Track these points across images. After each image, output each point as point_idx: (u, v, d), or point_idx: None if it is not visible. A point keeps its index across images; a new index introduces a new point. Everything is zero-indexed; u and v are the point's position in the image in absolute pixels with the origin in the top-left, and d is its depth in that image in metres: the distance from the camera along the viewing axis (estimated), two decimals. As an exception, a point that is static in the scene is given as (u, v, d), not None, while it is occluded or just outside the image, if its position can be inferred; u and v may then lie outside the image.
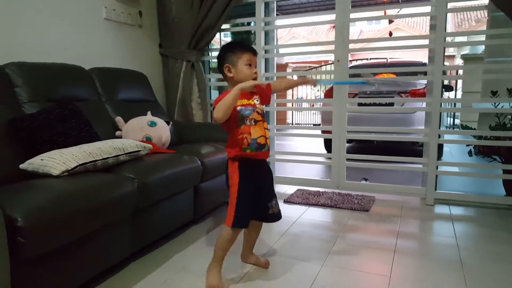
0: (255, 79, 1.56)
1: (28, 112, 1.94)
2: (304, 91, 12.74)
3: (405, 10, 3.70)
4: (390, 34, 8.00)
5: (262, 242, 2.08)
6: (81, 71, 2.43)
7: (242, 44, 1.63)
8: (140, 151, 1.97)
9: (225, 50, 1.61)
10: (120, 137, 2.35)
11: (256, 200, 1.62)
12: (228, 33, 4.70)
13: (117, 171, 1.79)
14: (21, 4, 2.22)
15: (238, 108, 1.53)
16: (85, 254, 1.52)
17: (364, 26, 18.92)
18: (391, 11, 6.38)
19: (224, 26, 3.34)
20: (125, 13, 2.98)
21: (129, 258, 1.83)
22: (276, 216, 1.70)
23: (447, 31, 2.71)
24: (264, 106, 1.66)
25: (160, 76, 3.42)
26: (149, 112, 2.58)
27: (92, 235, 1.52)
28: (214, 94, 3.90)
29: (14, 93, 1.98)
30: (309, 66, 11.93)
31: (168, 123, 2.65)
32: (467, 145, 3.14)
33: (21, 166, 1.63)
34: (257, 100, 1.60)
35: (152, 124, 2.43)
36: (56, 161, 1.59)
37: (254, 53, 1.61)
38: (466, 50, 7.91)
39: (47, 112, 1.89)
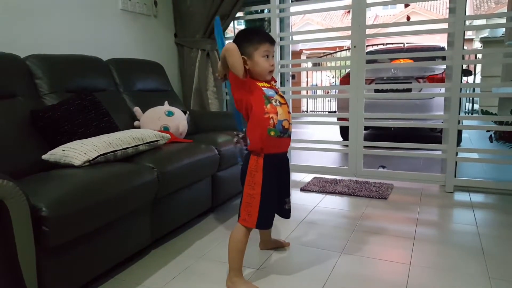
0: (272, 71, 1.49)
1: (48, 104, 1.97)
2: (319, 78, 12.61)
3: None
4: (408, 18, 7.77)
5: (279, 230, 2.10)
6: (99, 62, 2.46)
7: (259, 32, 1.50)
8: (158, 140, 1.99)
9: (241, 39, 1.47)
10: (138, 127, 2.38)
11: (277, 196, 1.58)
12: (242, 20, 4.66)
13: (137, 161, 1.81)
14: (39, -4, 2.24)
15: (263, 88, 1.46)
16: (107, 242, 1.56)
17: (380, 10, 18.56)
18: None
19: (238, 14, 3.32)
20: (141, 3, 2.99)
21: (150, 246, 1.87)
22: (289, 212, 1.67)
23: (466, 14, 2.63)
24: None
25: (175, 66, 3.43)
26: (166, 102, 2.59)
27: (113, 224, 1.55)
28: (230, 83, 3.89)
29: (35, 85, 2.02)
30: (324, 53, 11.79)
31: (185, 112, 2.67)
32: (487, 131, 3.07)
33: (43, 157, 1.66)
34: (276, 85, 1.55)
35: (170, 114, 2.45)
36: (78, 151, 1.62)
37: (272, 42, 1.49)
38: (485, 33, 7.68)
39: (67, 103, 1.91)
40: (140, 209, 1.72)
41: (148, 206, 1.79)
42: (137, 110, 2.45)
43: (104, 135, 1.80)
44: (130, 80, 2.64)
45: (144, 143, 1.89)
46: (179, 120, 2.49)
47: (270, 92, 1.47)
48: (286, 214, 1.66)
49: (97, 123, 1.98)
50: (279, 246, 1.86)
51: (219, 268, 1.69)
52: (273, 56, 1.50)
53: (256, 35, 1.47)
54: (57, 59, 2.16)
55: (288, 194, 1.65)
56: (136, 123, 2.42)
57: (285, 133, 1.47)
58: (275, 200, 1.56)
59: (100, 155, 1.65)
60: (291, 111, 1.54)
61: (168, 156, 1.96)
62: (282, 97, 1.50)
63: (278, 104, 1.45)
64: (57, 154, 1.64)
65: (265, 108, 1.43)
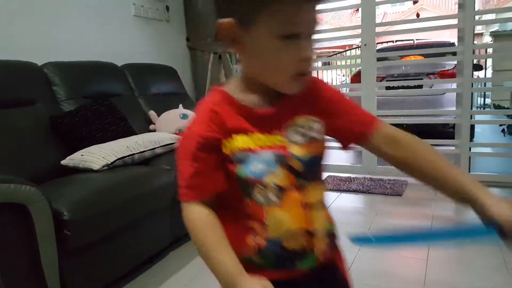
0: (302, 75, 0.61)
1: (66, 110, 2.03)
2: (330, 77, 12.58)
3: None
4: (418, 15, 7.75)
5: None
6: (114, 67, 2.51)
7: None
8: (174, 143, 2.03)
9: None
10: (154, 130, 2.42)
11: None
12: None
13: (154, 164, 1.85)
14: (55, 5, 2.30)
15: (237, 154, 0.61)
16: (127, 244, 1.60)
17: (388, 8, 18.42)
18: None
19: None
20: (153, 8, 3.04)
21: (168, 247, 1.90)
22: None
23: (475, 10, 2.62)
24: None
25: (188, 69, 3.48)
26: (180, 105, 2.63)
27: (132, 225, 1.59)
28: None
29: (53, 92, 2.08)
30: (333, 51, 11.76)
31: (198, 115, 2.70)
32: (500, 125, 3.06)
33: (63, 162, 1.71)
34: (301, 132, 0.65)
35: (184, 116, 2.49)
36: (96, 156, 1.67)
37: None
38: (495, 27, 7.59)
39: (85, 109, 1.97)
40: (159, 210, 1.76)
41: (167, 208, 1.82)
42: (152, 114, 2.50)
43: (122, 139, 1.85)
44: (144, 85, 2.69)
45: (161, 146, 1.94)
46: (193, 123, 2.52)
47: (258, 168, 0.61)
48: None
49: (114, 128, 2.02)
50: None
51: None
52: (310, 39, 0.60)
53: None
54: (73, 66, 2.21)
55: None
56: (151, 126, 2.47)
57: (294, 261, 0.66)
58: None
59: (118, 158, 1.70)
60: (322, 197, 0.74)
61: (184, 158, 1.99)
62: (295, 170, 0.64)
63: (273, 198, 0.62)
64: (76, 159, 1.69)
65: (240, 211, 0.64)
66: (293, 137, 0.64)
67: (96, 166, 1.64)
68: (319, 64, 9.50)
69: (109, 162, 1.67)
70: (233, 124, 0.61)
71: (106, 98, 2.14)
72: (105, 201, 1.43)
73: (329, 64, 8.79)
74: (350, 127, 0.71)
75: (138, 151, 1.81)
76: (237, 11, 0.58)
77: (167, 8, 3.19)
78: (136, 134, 2.08)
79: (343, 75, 12.70)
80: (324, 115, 0.67)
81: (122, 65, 2.60)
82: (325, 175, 2.11)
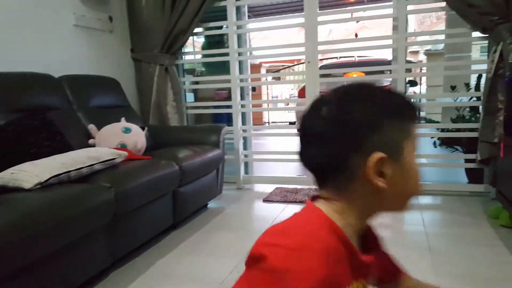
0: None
1: (-4, 124, 1.89)
2: (279, 90, 12.83)
3: (370, 11, 3.82)
4: (356, 35, 8.23)
5: (242, 243, 2.10)
6: (50, 79, 2.38)
7: (400, 94, 0.64)
8: (115, 159, 1.95)
9: (377, 111, 0.58)
10: (93, 145, 2.32)
11: None
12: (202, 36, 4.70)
13: (92, 181, 1.76)
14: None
15: None
16: (64, 267, 1.50)
17: (334, 25, 19.21)
18: (358, 11, 6.56)
19: (197, 30, 3.34)
20: (95, 18, 2.94)
21: (109, 268, 1.82)
22: None
23: (410, 29, 2.82)
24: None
25: (133, 81, 3.39)
26: (123, 118, 2.55)
27: (69, 247, 1.50)
28: (189, 97, 3.88)
29: (-19, 105, 1.93)
30: (282, 65, 12.03)
31: (143, 128, 2.63)
32: (432, 137, 3.31)
33: (-10, 180, 1.58)
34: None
35: (127, 130, 2.41)
36: (28, 173, 1.56)
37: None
38: (428, 47, 8.21)
39: (16, 123, 1.85)
40: (97, 230, 1.67)
41: (106, 227, 1.74)
42: (92, 127, 2.39)
43: (57, 156, 1.75)
44: (84, 97, 2.57)
45: (100, 162, 1.85)
46: (137, 137, 2.46)
47: None
48: None
49: (50, 143, 1.91)
50: None
51: (183, 286, 1.67)
52: None
53: (404, 104, 0.62)
54: (4, 77, 2.07)
55: None
56: (91, 141, 2.36)
57: None
58: None
59: (53, 176, 1.60)
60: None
61: (125, 174, 1.93)
62: None
63: None
64: (5, 177, 1.57)
65: None
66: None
67: (27, 185, 1.53)
68: (269, 78, 9.68)
69: (43, 180, 1.56)
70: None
71: (41, 111, 2.02)
72: (35, 223, 1.32)
73: (279, 79, 9.00)
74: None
75: (75, 168, 1.71)
76: (386, 143, 0.56)
77: (111, 18, 3.10)
78: (74, 149, 1.98)
79: (292, 88, 13.01)
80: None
81: (59, 77, 2.48)
82: (272, 187, 2.16)
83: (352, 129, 0.56)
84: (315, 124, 0.60)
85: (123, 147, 2.31)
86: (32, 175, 1.55)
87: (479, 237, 2.08)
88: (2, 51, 2.25)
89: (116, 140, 2.32)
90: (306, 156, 0.63)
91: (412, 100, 0.63)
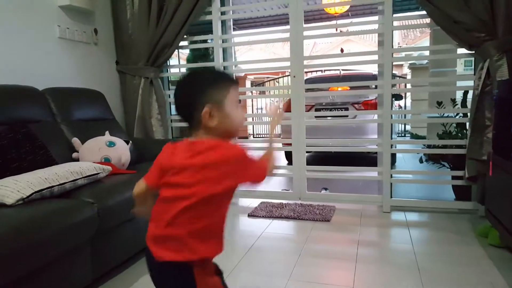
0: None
1: (-23, 138, 1.85)
2: (264, 102, 12.88)
3: (355, 26, 3.90)
4: (342, 51, 8.36)
5: (228, 258, 2.09)
6: (34, 91, 2.35)
7: (220, 71, 1.18)
8: (99, 173, 1.93)
9: (204, 83, 1.00)
10: (77, 159, 2.29)
11: None
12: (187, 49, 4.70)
13: (75, 196, 1.74)
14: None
15: None
16: (44, 284, 1.47)
17: (318, 39, 19.54)
18: (343, 23, 6.69)
19: (182, 43, 3.35)
20: (80, 31, 2.92)
21: (91, 285, 1.78)
22: None
23: (394, 42, 2.88)
24: None
25: (117, 94, 3.37)
26: (107, 132, 2.53)
27: (50, 264, 1.47)
28: (174, 109, 3.87)
29: (-39, 118, 1.89)
30: (267, 77, 12.12)
31: (127, 142, 2.61)
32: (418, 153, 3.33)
33: (-29, 196, 1.55)
34: None
35: (111, 144, 2.39)
36: (10, 189, 1.53)
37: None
38: (413, 60, 8.40)
39: (-2, 137, 1.81)
40: (79, 247, 1.64)
41: (88, 243, 1.71)
42: (75, 141, 2.36)
43: (40, 170, 1.72)
44: (68, 110, 2.54)
45: (83, 177, 1.83)
46: (121, 151, 2.43)
47: None
48: None
49: (33, 157, 1.88)
50: None
51: (165, 303, 1.64)
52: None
53: (222, 75, 1.05)
54: (-14, 90, 2.04)
55: None
56: (74, 155, 2.33)
57: None
58: None
59: (35, 192, 1.57)
60: None
61: (109, 189, 1.90)
62: None
63: None
64: (-14, 192, 1.54)
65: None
66: None
67: (9, 201, 1.50)
68: (254, 92, 9.68)
69: (25, 196, 1.54)
70: None
71: (23, 124, 1.99)
72: (16, 240, 1.30)
73: (264, 93, 9.05)
74: None
75: (58, 183, 1.69)
76: (212, 99, 0.97)
77: (96, 31, 3.09)
78: (57, 163, 1.95)
79: (277, 101, 13.10)
80: None
81: (43, 89, 2.45)
82: (257, 201, 2.19)
83: (192, 94, 0.98)
84: (178, 92, 1.02)
85: (107, 161, 2.29)
86: (14, 191, 1.52)
87: (469, 256, 2.07)
88: (-16, 63, 2.22)
89: (100, 154, 2.30)
90: (178, 111, 1.03)
91: (226, 73, 1.11)
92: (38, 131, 2.05)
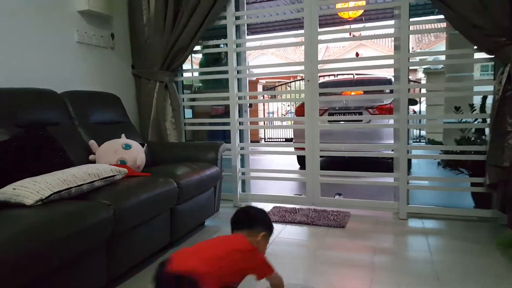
0: None
1: (-3, 139, 1.88)
2: (275, 106, 12.89)
3: (369, 30, 3.87)
4: (357, 55, 8.32)
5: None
6: (53, 94, 2.38)
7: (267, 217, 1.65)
8: (115, 175, 1.94)
9: (267, 222, 1.60)
10: (93, 161, 2.31)
11: None
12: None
13: (92, 198, 1.75)
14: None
15: None
16: (62, 285, 1.48)
17: (331, 43, 19.46)
18: (357, 27, 6.66)
19: (196, 47, 3.37)
20: (97, 35, 2.97)
21: (106, 286, 1.79)
22: None
23: (410, 49, 2.84)
24: None
25: (133, 97, 3.40)
26: (123, 135, 2.55)
27: (67, 265, 1.49)
28: (188, 113, 3.90)
29: (-18, 120, 1.92)
30: (278, 82, 12.14)
31: (142, 145, 2.63)
32: (435, 159, 3.27)
33: (-9, 196, 1.57)
34: None
35: (127, 147, 2.40)
36: (29, 190, 1.55)
37: None
38: (427, 65, 8.31)
39: (18, 138, 1.84)
40: (94, 248, 1.65)
41: (103, 245, 1.72)
42: (92, 143, 2.39)
43: (58, 172, 1.74)
44: (85, 113, 2.58)
45: (100, 179, 1.84)
46: (137, 153, 2.45)
47: None
48: None
49: (51, 159, 1.90)
50: None
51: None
52: None
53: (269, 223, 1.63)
54: (6, 93, 2.08)
55: None
56: (91, 157, 2.35)
57: None
58: None
59: (54, 193, 1.59)
60: None
61: (124, 191, 1.91)
62: None
63: None
64: (7, 192, 1.56)
65: None
66: None
67: (29, 201, 1.52)
68: (265, 96, 9.70)
69: (44, 197, 1.55)
70: None
71: (42, 127, 2.02)
72: (37, 240, 1.32)
73: (275, 97, 9.05)
74: None
75: (76, 185, 1.70)
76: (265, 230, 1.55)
77: (112, 35, 3.13)
78: (74, 165, 1.97)
79: (288, 105, 13.07)
80: None
81: (62, 93, 2.48)
82: (270, 205, 2.34)
83: (268, 224, 1.59)
84: (245, 214, 1.61)
85: (122, 163, 2.30)
86: (33, 192, 1.54)
87: (491, 267, 2.00)
88: (6, 67, 2.26)
89: (116, 157, 2.32)
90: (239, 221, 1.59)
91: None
92: (56, 134, 2.07)
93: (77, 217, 1.54)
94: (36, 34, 2.47)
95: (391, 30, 2.88)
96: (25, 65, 2.39)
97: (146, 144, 2.72)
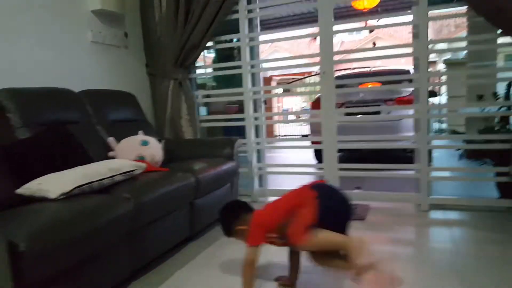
0: None
1: (21, 137, 1.92)
2: (290, 103, 12.85)
3: (384, 20, 3.80)
4: (374, 44, 8.15)
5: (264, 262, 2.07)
6: (71, 94, 2.42)
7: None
8: (135, 170, 1.96)
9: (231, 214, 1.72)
10: (113, 157, 2.33)
11: None
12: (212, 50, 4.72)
13: (113, 192, 1.77)
14: (10, 31, 2.23)
15: None
16: (86, 276, 1.50)
17: (345, 36, 19.26)
18: (372, 21, 6.53)
19: (209, 44, 3.36)
20: (111, 35, 3.00)
21: (129, 278, 1.81)
22: None
23: (429, 39, 2.77)
24: None
25: (148, 95, 3.42)
26: (140, 131, 2.57)
27: (91, 257, 1.51)
28: (202, 110, 3.90)
29: (7, 119, 1.97)
30: (293, 78, 12.07)
31: (160, 141, 2.64)
32: (457, 150, 3.18)
33: (18, 191, 1.60)
34: None
35: (145, 143, 2.42)
36: (53, 184, 1.58)
37: None
38: (448, 56, 8.10)
39: (40, 136, 1.87)
40: (117, 240, 1.67)
41: (125, 237, 1.73)
42: (111, 140, 2.41)
43: (80, 167, 1.76)
44: (103, 111, 2.61)
45: (121, 173, 1.86)
46: (155, 149, 2.46)
47: None
48: None
49: (72, 155, 1.93)
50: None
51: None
52: None
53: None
54: (28, 92, 2.12)
55: None
56: (110, 153, 2.38)
57: None
58: None
59: (76, 187, 1.61)
60: None
61: (144, 185, 1.93)
62: None
63: None
64: (32, 187, 1.59)
65: None
66: None
67: (53, 195, 1.55)
68: (280, 90, 9.71)
69: (67, 191, 1.58)
70: None
71: (62, 125, 2.05)
72: (62, 232, 1.34)
73: (289, 91, 9.01)
74: None
75: (97, 179, 1.72)
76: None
77: (126, 34, 3.16)
78: (94, 161, 1.99)
79: (304, 101, 13.02)
80: None
81: (79, 91, 2.52)
82: None
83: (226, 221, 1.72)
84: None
85: (141, 159, 2.32)
86: (57, 186, 1.56)
87: None
88: (23, 67, 2.31)
89: (134, 153, 2.34)
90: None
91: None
92: (75, 132, 2.10)
93: (100, 210, 1.56)
94: (52, 35, 2.51)
95: (411, 18, 2.80)
96: (42, 65, 2.43)
97: (163, 141, 2.73)
